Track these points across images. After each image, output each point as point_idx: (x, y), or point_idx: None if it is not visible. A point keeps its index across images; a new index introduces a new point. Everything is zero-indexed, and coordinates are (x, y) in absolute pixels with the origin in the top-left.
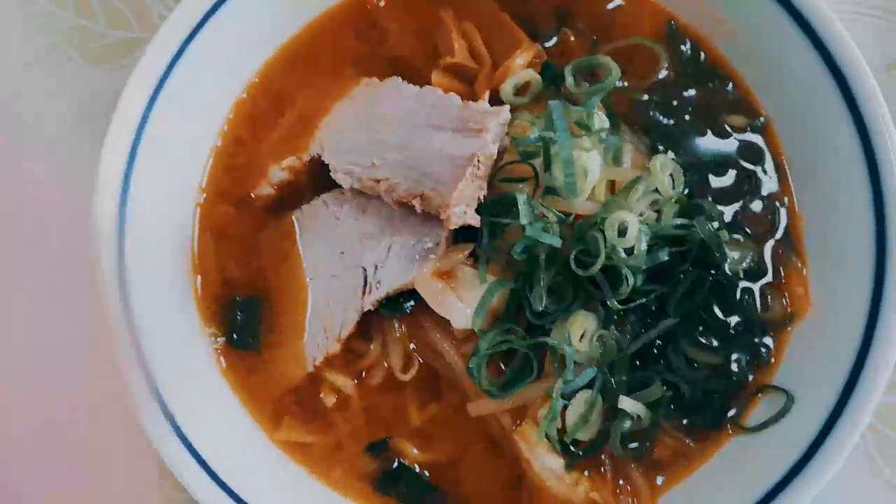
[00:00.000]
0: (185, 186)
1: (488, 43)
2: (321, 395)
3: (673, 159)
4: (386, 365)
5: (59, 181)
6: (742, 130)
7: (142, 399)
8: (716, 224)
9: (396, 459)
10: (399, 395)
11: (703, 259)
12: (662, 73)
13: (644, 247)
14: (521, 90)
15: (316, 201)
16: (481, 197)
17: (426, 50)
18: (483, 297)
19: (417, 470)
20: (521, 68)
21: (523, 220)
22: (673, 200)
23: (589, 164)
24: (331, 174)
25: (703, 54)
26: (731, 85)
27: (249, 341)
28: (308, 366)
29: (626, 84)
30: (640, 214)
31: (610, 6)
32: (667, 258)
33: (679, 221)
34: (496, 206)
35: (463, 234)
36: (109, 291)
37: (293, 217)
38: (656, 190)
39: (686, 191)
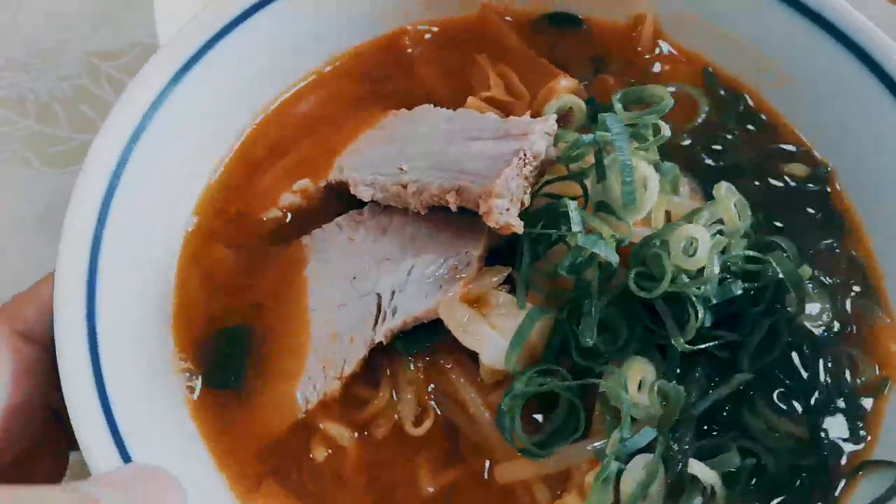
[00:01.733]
0: (178, 206)
1: (525, 82)
2: (311, 449)
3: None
4: (395, 416)
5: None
6: (803, 180)
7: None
8: (794, 262)
9: None
10: (408, 455)
11: (778, 303)
12: (702, 118)
13: (716, 269)
14: (562, 120)
15: (329, 225)
16: (525, 201)
17: (461, 87)
18: (521, 325)
19: None
20: (565, 90)
21: (574, 228)
22: (741, 234)
23: (649, 175)
24: (350, 189)
25: (746, 100)
26: (781, 133)
27: (231, 380)
28: (299, 410)
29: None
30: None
31: (648, 56)
32: (740, 291)
33: (751, 254)
34: (540, 217)
35: (497, 260)
36: (73, 309)
37: (302, 242)
38: (720, 221)
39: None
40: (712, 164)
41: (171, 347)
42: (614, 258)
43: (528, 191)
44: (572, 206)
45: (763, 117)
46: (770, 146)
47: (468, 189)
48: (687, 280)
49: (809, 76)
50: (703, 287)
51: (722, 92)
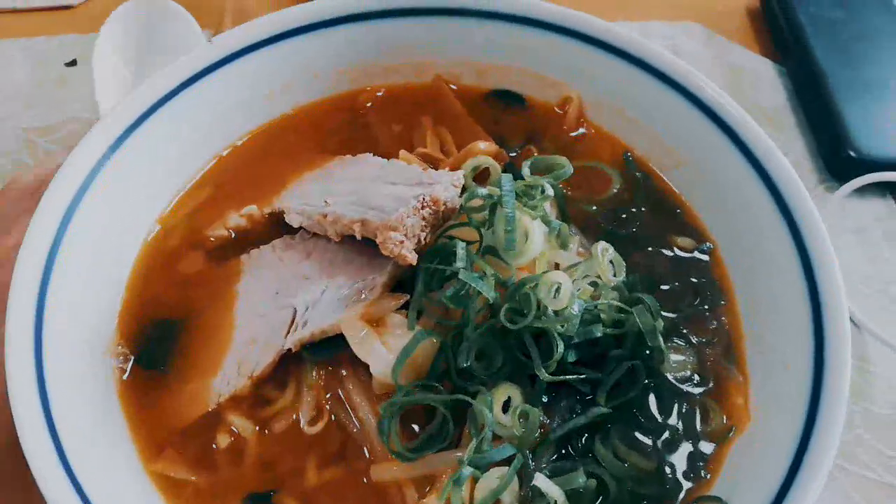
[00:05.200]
0: (140, 218)
1: (458, 144)
2: (216, 436)
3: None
4: (294, 416)
5: None
6: (689, 251)
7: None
8: (653, 317)
9: None
10: (300, 450)
11: (639, 352)
12: (614, 193)
13: (576, 311)
14: (479, 179)
15: (265, 246)
16: (423, 239)
17: (402, 144)
18: (408, 344)
19: None
20: (482, 152)
21: (459, 264)
22: (611, 286)
23: (531, 229)
24: (285, 216)
25: (654, 182)
26: (680, 211)
27: (157, 363)
28: (212, 401)
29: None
30: (577, 289)
31: (573, 134)
32: (599, 334)
33: (617, 304)
34: (436, 255)
35: (403, 290)
36: (26, 287)
37: (241, 259)
38: (598, 278)
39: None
40: (613, 230)
41: (112, 337)
42: (490, 294)
43: (427, 230)
44: (461, 245)
45: (666, 196)
46: (667, 221)
47: (370, 222)
48: (552, 317)
49: (702, 165)
50: (565, 325)
51: (637, 173)
